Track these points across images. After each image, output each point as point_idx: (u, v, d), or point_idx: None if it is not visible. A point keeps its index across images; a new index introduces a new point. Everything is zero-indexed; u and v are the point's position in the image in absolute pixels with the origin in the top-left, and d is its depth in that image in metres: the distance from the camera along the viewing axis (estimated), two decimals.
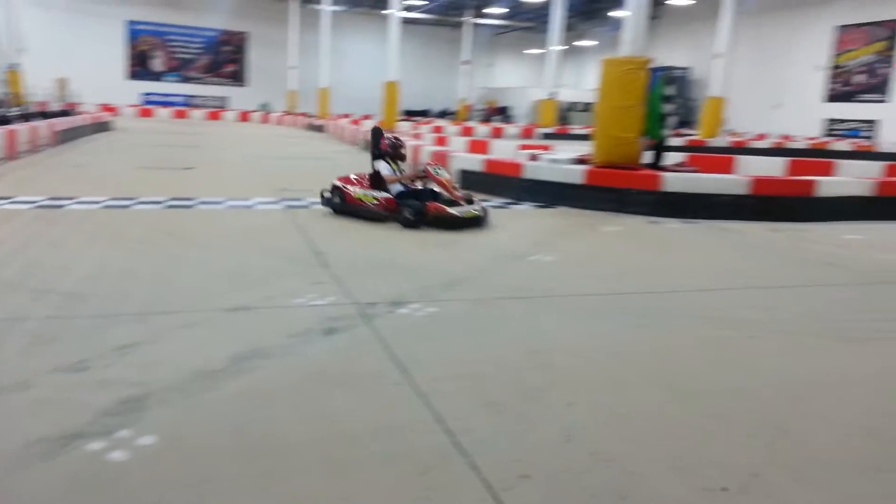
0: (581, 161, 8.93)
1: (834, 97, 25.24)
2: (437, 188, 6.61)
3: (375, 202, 6.58)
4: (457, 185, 6.72)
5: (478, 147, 13.42)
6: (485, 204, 6.88)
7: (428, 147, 11.91)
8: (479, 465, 2.20)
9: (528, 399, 2.74)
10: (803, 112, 25.49)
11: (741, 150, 17.05)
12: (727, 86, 20.53)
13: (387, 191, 6.68)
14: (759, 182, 7.94)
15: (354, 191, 6.71)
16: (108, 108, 24.92)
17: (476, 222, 6.48)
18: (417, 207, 6.31)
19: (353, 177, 6.90)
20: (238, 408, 2.54)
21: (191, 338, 3.28)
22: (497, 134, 22.26)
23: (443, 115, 35.93)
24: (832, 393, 3.00)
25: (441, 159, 9.66)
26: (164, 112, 29.48)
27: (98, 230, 5.72)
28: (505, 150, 12.69)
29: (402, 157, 7.00)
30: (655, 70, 8.82)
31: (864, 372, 3.28)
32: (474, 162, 9.38)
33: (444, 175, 6.74)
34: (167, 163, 11.50)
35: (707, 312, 4.14)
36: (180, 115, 29.19)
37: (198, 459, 2.18)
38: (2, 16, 17.96)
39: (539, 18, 31.42)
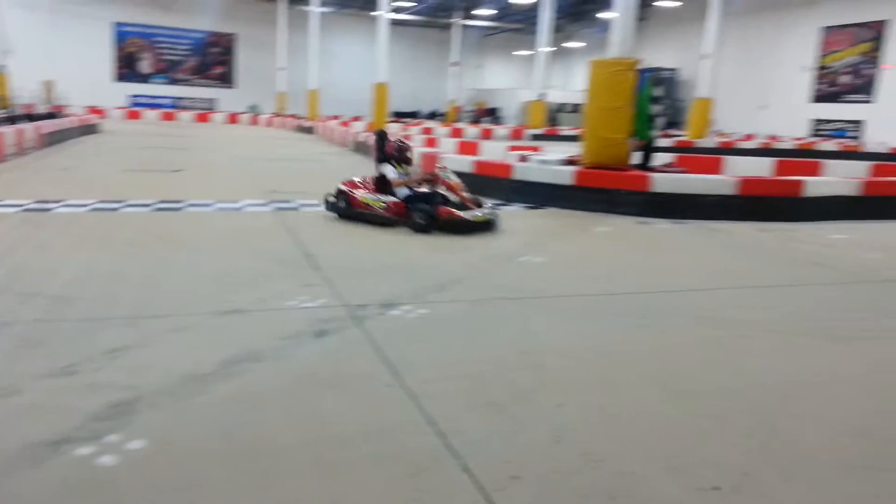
0: (570, 162, 8.95)
1: (820, 98, 25.44)
2: (445, 191, 6.51)
3: (384, 206, 6.46)
4: (466, 188, 6.61)
5: (467, 148, 13.41)
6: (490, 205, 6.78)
7: (417, 149, 11.89)
8: (471, 466, 2.21)
9: (519, 400, 2.74)
10: (790, 112, 25.68)
11: (729, 150, 17.16)
12: (714, 87, 20.66)
13: (392, 194, 6.57)
14: (747, 182, 8.00)
15: (361, 195, 6.59)
16: (95, 111, 24.70)
17: (487, 226, 6.37)
18: (429, 212, 6.20)
19: (357, 180, 6.80)
20: (228, 411, 2.53)
21: (180, 341, 3.26)
22: (486, 135, 22.24)
23: (432, 116, 35.90)
24: (822, 392, 3.03)
25: (430, 161, 9.65)
26: (151, 114, 29.24)
27: (86, 233, 5.68)
28: (494, 151, 12.70)
29: (408, 161, 6.87)
30: (643, 71, 8.86)
31: (852, 371, 3.31)
32: (464, 163, 9.35)
33: (454, 178, 6.61)
34: (155, 165, 11.42)
35: (697, 312, 4.17)
36: (168, 117, 29.00)
37: (188, 463, 2.17)
38: None
39: (528, 20, 31.48)
